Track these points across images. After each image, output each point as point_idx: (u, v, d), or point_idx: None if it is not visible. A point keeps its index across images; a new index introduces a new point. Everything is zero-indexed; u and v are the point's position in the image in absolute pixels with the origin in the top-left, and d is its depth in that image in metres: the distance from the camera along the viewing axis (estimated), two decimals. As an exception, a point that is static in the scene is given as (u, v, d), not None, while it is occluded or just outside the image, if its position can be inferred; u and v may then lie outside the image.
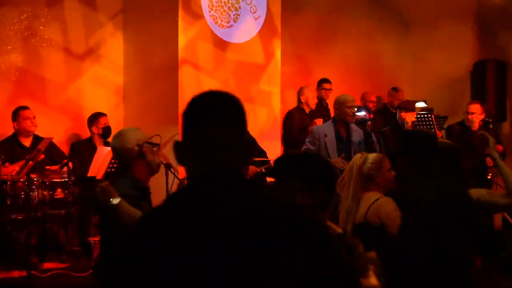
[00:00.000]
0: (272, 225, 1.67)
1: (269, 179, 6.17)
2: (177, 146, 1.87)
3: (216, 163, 1.82)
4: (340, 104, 6.80)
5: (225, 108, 1.88)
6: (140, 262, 1.70)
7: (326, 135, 6.66)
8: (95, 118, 7.60)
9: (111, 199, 3.78)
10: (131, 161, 4.03)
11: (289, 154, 2.77)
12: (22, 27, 7.74)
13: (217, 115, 1.85)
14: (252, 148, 1.89)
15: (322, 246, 1.70)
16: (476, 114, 8.14)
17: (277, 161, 2.94)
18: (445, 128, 8.54)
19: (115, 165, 6.60)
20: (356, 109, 7.56)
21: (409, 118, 7.67)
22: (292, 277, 1.62)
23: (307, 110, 8.89)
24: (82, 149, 7.45)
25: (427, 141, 3.98)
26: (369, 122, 7.23)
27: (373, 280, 3.01)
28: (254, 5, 8.50)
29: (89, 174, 6.82)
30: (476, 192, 4.04)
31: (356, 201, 4.22)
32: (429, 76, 10.77)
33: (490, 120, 8.57)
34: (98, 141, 7.56)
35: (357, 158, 4.33)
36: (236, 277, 1.61)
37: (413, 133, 4.56)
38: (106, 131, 7.50)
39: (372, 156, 4.35)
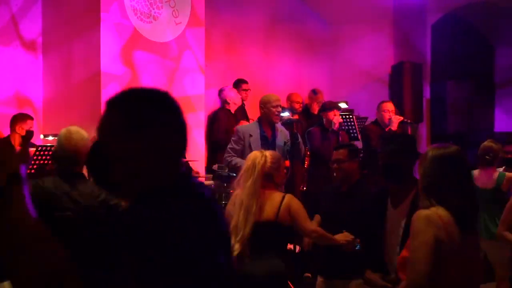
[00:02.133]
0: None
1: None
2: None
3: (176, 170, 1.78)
4: (265, 103, 6.73)
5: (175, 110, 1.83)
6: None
7: (251, 135, 6.60)
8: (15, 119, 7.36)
9: None
10: None
11: None
12: None
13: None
14: None
15: None
16: (392, 112, 8.23)
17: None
18: (361, 129, 8.55)
19: (35, 166, 6.35)
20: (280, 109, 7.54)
21: (336, 119, 7.69)
22: None
23: (232, 111, 8.82)
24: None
25: None
26: (295, 123, 7.21)
27: None
28: (177, 9, 8.41)
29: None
30: None
31: (256, 200, 4.22)
32: (349, 78, 10.94)
33: (409, 121, 8.75)
34: (17, 142, 7.27)
35: (258, 156, 4.32)
36: None
37: None
38: (28, 135, 7.15)
39: (271, 155, 4.36)
